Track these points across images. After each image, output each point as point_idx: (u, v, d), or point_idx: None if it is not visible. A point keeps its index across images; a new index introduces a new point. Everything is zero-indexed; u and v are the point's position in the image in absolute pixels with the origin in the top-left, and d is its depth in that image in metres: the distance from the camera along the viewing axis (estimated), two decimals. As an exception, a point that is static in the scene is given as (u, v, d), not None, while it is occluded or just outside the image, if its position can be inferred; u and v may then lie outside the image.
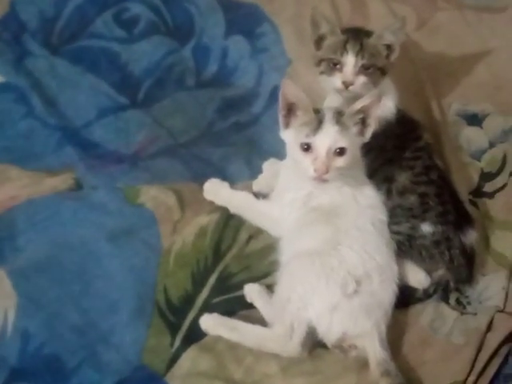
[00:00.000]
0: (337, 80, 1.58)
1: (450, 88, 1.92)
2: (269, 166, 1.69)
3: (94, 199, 1.62)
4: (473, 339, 1.46)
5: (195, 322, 1.46)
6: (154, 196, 1.64)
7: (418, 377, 1.41)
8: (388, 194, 1.56)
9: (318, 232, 1.44)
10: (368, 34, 1.60)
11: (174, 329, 1.46)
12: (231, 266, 1.55)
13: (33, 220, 1.57)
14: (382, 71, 1.59)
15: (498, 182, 1.74)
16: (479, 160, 1.80)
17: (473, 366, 1.42)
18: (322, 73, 1.62)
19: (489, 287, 1.56)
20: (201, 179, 1.68)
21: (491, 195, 1.73)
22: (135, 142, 1.77)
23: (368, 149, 1.60)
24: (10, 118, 1.78)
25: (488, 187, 1.75)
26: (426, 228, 1.53)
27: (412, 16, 2.05)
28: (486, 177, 1.77)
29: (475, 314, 1.52)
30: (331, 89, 1.62)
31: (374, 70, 1.58)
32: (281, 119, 1.46)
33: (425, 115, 1.85)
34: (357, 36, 1.58)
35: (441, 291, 1.54)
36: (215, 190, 1.64)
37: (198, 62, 1.97)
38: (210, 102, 1.89)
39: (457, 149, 1.81)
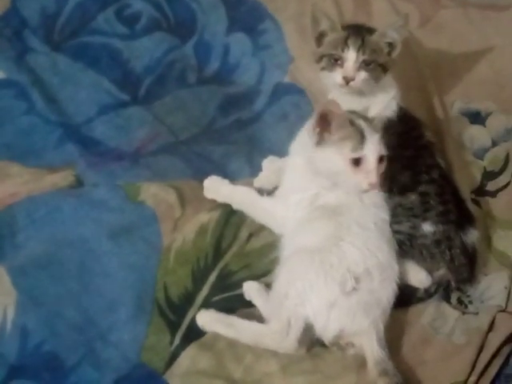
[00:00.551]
0: (337, 75, 1.57)
1: (452, 86, 1.92)
2: (268, 163, 1.68)
3: (95, 196, 1.62)
4: (474, 339, 1.45)
5: (195, 321, 1.46)
6: (154, 193, 1.63)
7: (419, 376, 1.40)
8: (389, 192, 1.55)
9: (319, 228, 1.43)
10: (370, 30, 1.59)
11: (173, 327, 1.45)
12: (231, 264, 1.55)
13: (33, 217, 1.57)
14: (384, 68, 1.59)
15: (501, 180, 1.73)
16: (482, 159, 1.80)
17: (474, 366, 1.41)
18: (322, 69, 1.61)
19: (491, 287, 1.55)
20: (201, 177, 1.67)
21: (494, 194, 1.72)
22: (136, 139, 1.76)
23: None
24: (10, 115, 1.78)
25: (491, 186, 1.74)
26: (427, 227, 1.52)
27: (415, 13, 2.04)
28: (489, 176, 1.76)
29: (477, 313, 1.51)
30: (332, 85, 1.61)
31: (375, 66, 1.57)
32: (314, 137, 1.42)
33: (427, 113, 1.84)
34: (358, 32, 1.58)
35: (442, 291, 1.53)
36: (215, 188, 1.63)
37: (200, 58, 1.97)
38: (211, 100, 1.89)
39: (459, 147, 1.81)
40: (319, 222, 1.44)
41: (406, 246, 1.52)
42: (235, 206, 1.61)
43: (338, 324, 1.37)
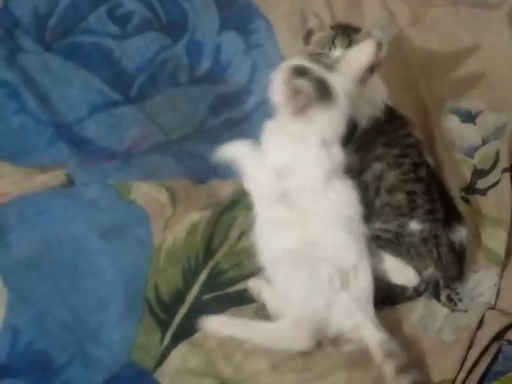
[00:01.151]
0: None
1: (443, 84, 1.92)
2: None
3: (86, 196, 1.62)
4: (463, 336, 1.45)
5: (185, 319, 1.46)
6: (145, 192, 1.64)
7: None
8: (376, 192, 1.56)
9: (289, 232, 1.42)
10: (356, 30, 1.60)
11: (164, 326, 1.45)
12: (222, 263, 1.55)
13: (24, 216, 1.57)
14: (370, 69, 1.58)
15: (491, 179, 1.73)
16: (472, 157, 1.80)
17: (463, 364, 1.41)
18: None
19: (480, 284, 1.56)
20: (193, 176, 1.68)
21: (483, 192, 1.72)
22: (127, 139, 1.77)
23: (357, 146, 1.60)
24: (1, 114, 1.78)
25: (480, 184, 1.74)
26: (415, 226, 1.53)
27: (406, 12, 2.04)
28: (479, 174, 1.76)
29: (466, 310, 1.51)
30: None
31: None
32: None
33: (418, 112, 1.85)
34: (346, 32, 1.58)
35: (431, 289, 1.54)
36: None
37: (191, 58, 1.97)
38: (202, 99, 1.89)
39: (450, 145, 1.81)
40: (286, 226, 1.43)
41: (393, 245, 1.53)
42: None
43: (337, 323, 1.38)
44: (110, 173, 1.67)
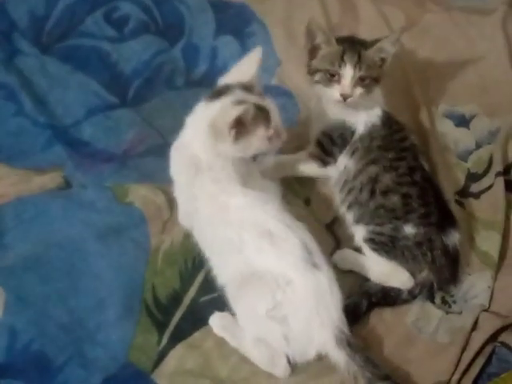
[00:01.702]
0: (335, 92, 1.58)
1: (437, 89, 1.93)
2: None
3: (83, 198, 1.63)
4: (458, 338, 1.47)
5: (183, 321, 1.48)
6: (142, 195, 1.64)
7: (403, 375, 1.41)
8: (371, 194, 1.57)
9: (228, 260, 1.41)
10: (364, 44, 1.59)
11: (161, 327, 1.46)
12: (219, 265, 1.56)
13: (21, 218, 1.58)
14: (376, 80, 1.60)
15: (484, 182, 1.75)
16: (466, 161, 1.81)
17: (457, 365, 1.43)
18: (317, 82, 1.61)
19: (474, 286, 1.58)
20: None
21: (477, 195, 1.74)
22: (124, 141, 1.77)
23: (353, 150, 1.62)
24: (-1, 117, 1.79)
25: (474, 188, 1.76)
26: (409, 229, 1.54)
27: (401, 18, 2.06)
28: (473, 177, 1.78)
29: (460, 313, 1.53)
30: (328, 99, 1.62)
31: (370, 81, 1.58)
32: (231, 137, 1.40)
33: (412, 116, 1.86)
34: (354, 47, 1.57)
35: (426, 292, 1.55)
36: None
37: (188, 61, 1.98)
38: (199, 102, 1.89)
39: (444, 149, 1.82)
40: (226, 253, 1.41)
41: (387, 248, 1.54)
42: None
43: (299, 350, 1.37)
44: (106, 175, 1.68)
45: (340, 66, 1.56)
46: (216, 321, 1.46)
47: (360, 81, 1.57)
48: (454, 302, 1.56)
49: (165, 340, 1.45)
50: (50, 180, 1.66)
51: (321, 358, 1.40)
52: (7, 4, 1.98)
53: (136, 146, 1.77)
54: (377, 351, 1.44)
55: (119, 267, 1.52)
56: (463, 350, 1.45)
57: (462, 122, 1.88)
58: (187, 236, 1.58)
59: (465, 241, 1.62)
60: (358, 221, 1.59)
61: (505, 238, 1.65)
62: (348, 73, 1.56)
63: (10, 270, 1.49)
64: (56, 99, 1.84)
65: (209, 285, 1.52)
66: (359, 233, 1.59)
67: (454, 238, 1.56)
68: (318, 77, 1.61)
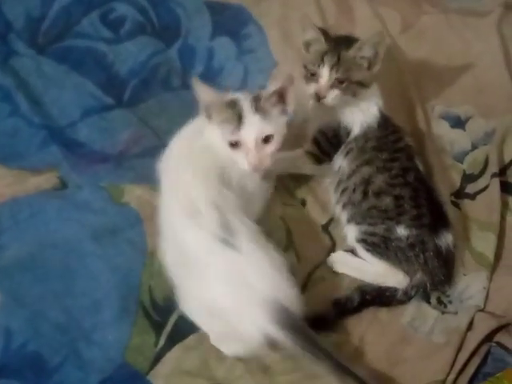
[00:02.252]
0: (311, 90, 1.59)
1: (433, 90, 1.94)
2: None
3: (79, 198, 1.63)
4: (453, 338, 1.47)
5: (180, 322, 1.47)
6: (138, 195, 1.64)
7: (398, 375, 1.42)
8: (364, 195, 1.58)
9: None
10: (350, 44, 1.57)
11: (158, 328, 1.47)
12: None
13: (17, 218, 1.58)
14: (361, 84, 1.58)
15: (480, 183, 1.75)
16: (462, 162, 1.81)
17: (453, 365, 1.43)
18: (303, 77, 1.62)
19: (470, 287, 1.58)
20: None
21: (473, 196, 1.74)
22: (120, 142, 1.77)
23: (348, 150, 1.62)
24: (-6, 117, 1.79)
25: (470, 189, 1.76)
26: (402, 231, 1.54)
27: (397, 19, 2.06)
28: (468, 178, 1.78)
29: (456, 313, 1.53)
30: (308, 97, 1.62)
31: (348, 84, 1.57)
32: (203, 112, 1.47)
33: (408, 117, 1.86)
34: (337, 48, 1.56)
35: (421, 293, 1.55)
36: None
37: (184, 62, 1.98)
38: (194, 103, 1.90)
39: (440, 151, 1.83)
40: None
41: (380, 249, 1.55)
42: None
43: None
44: (102, 175, 1.68)
45: (319, 66, 1.57)
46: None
47: (338, 83, 1.56)
48: (450, 302, 1.56)
49: (162, 341, 1.45)
50: (46, 180, 1.66)
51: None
52: (3, 5, 1.97)
53: (132, 146, 1.77)
54: (372, 350, 1.45)
55: (115, 268, 1.51)
56: (459, 349, 1.46)
57: (458, 123, 1.89)
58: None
59: (460, 241, 1.62)
60: (350, 220, 1.60)
61: (500, 238, 1.65)
62: (324, 74, 1.56)
63: (6, 271, 1.48)
64: (52, 100, 1.84)
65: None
66: (352, 233, 1.60)
67: (446, 239, 1.57)
68: (303, 72, 1.61)
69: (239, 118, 1.41)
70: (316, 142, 1.67)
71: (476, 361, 1.45)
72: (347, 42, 1.60)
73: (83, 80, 1.89)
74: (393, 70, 1.92)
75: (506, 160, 1.79)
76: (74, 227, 1.57)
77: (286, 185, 1.73)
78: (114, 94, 1.88)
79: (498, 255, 1.63)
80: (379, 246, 1.55)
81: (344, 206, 1.62)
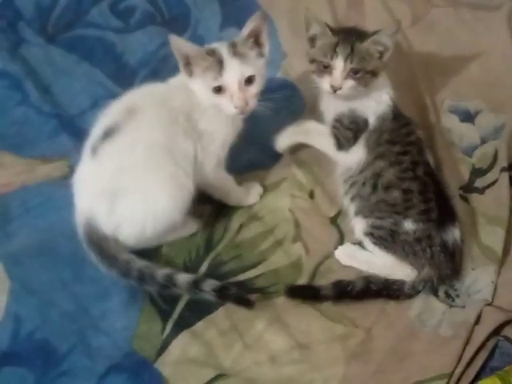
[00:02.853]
0: (325, 83, 1.57)
1: (443, 84, 1.93)
2: None
3: (88, 187, 1.63)
4: (461, 332, 1.47)
5: (186, 309, 1.48)
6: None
7: (406, 368, 1.42)
8: (373, 188, 1.57)
9: None
10: (361, 35, 1.56)
11: (165, 316, 1.47)
12: (222, 254, 1.57)
13: (26, 206, 1.59)
14: (373, 73, 1.57)
15: (489, 178, 1.74)
16: (471, 156, 1.81)
17: (460, 359, 1.43)
18: (313, 72, 1.61)
19: (478, 281, 1.57)
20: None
21: (482, 191, 1.73)
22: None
23: (364, 143, 1.61)
24: (4, 105, 1.80)
25: (479, 183, 1.75)
26: (409, 225, 1.54)
27: (407, 12, 2.05)
28: (477, 173, 1.77)
29: (463, 306, 1.53)
30: (321, 89, 1.62)
31: (363, 74, 1.55)
32: (183, 70, 1.49)
33: (418, 111, 1.86)
34: (348, 39, 1.55)
35: (429, 287, 1.54)
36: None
37: (194, 53, 1.98)
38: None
39: (449, 145, 1.82)
40: None
41: (387, 243, 1.55)
42: None
43: None
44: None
45: (332, 58, 1.56)
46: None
47: (352, 73, 1.56)
48: (458, 295, 1.56)
49: (168, 329, 1.45)
50: (56, 169, 1.67)
51: (326, 349, 1.41)
52: (13, -7, 1.98)
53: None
54: (380, 343, 1.45)
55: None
56: (466, 343, 1.45)
57: (468, 117, 1.88)
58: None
59: (468, 236, 1.62)
60: (358, 213, 1.59)
61: (509, 233, 1.64)
62: (339, 65, 1.55)
63: (15, 258, 1.50)
64: (61, 89, 1.85)
65: (213, 274, 1.53)
66: (359, 226, 1.59)
67: (453, 234, 1.56)
68: (313, 67, 1.61)
69: (220, 64, 1.45)
70: (335, 128, 1.65)
71: (483, 355, 1.45)
72: (356, 32, 1.59)
73: (93, 69, 1.90)
74: (403, 63, 1.91)
75: (516, 155, 1.79)
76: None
77: (294, 176, 1.72)
78: (123, 83, 1.86)
79: (506, 249, 1.62)
80: (386, 239, 1.55)
81: (352, 199, 1.62)
